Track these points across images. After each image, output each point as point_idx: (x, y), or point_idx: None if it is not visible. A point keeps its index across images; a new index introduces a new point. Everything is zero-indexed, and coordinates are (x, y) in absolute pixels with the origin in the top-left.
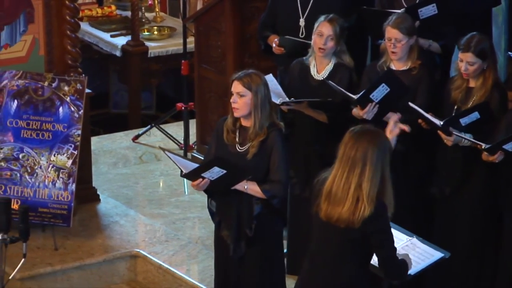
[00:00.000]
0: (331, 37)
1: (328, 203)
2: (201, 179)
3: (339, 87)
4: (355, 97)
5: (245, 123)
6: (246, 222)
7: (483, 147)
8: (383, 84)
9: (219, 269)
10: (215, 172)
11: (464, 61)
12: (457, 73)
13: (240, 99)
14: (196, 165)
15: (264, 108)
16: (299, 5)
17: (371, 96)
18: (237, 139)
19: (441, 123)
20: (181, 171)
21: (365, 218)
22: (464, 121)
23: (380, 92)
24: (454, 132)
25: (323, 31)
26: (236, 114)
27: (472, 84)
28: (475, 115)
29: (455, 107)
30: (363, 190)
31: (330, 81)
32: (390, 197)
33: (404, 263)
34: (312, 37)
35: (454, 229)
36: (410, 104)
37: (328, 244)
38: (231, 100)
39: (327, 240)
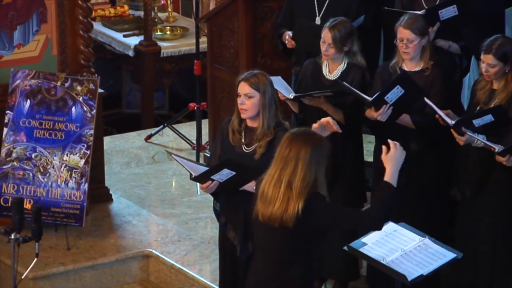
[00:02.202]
0: (331, 45)
1: (262, 203)
2: (210, 182)
3: (353, 88)
4: (369, 98)
5: (251, 123)
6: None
7: (496, 150)
8: (398, 86)
9: (225, 270)
10: (225, 174)
11: (485, 63)
12: (481, 75)
13: (248, 101)
14: (203, 167)
15: (271, 108)
16: (315, 4)
17: (385, 97)
18: (243, 140)
19: (453, 122)
20: (191, 174)
21: (298, 215)
22: (477, 122)
23: (395, 94)
24: (467, 133)
25: (324, 38)
26: (244, 116)
27: (495, 86)
28: (488, 118)
29: (478, 107)
30: (293, 189)
31: (344, 82)
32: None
33: (376, 209)
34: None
35: (475, 231)
36: (426, 100)
37: (268, 243)
38: (239, 102)
39: (266, 240)
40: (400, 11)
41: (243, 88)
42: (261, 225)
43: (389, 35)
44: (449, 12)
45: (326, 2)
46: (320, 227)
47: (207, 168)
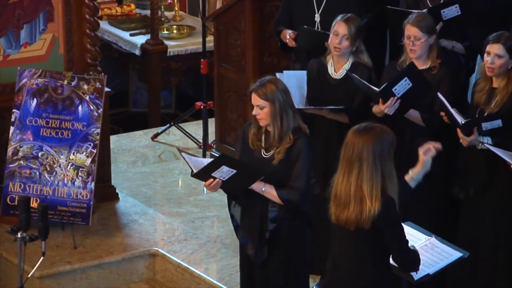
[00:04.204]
0: (346, 36)
1: (335, 206)
2: (212, 179)
3: (362, 80)
4: (377, 90)
5: (269, 128)
6: (264, 225)
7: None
8: (406, 78)
9: (244, 271)
10: (225, 172)
11: (492, 54)
12: (481, 76)
13: (262, 111)
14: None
15: (285, 114)
16: (314, 1)
17: (393, 89)
18: (262, 145)
19: (463, 122)
20: (192, 172)
21: (374, 218)
22: (485, 126)
23: (403, 86)
24: (482, 142)
25: (339, 31)
26: (262, 124)
27: (495, 84)
28: (497, 123)
29: (478, 109)
30: (364, 191)
31: (353, 74)
32: (393, 194)
33: (415, 254)
34: (330, 35)
35: (478, 230)
36: (439, 94)
37: (345, 245)
38: (254, 113)
39: (343, 242)
40: (404, 10)
41: (254, 99)
42: (336, 228)
43: (397, 34)
44: (451, 11)
45: (324, 1)
46: (381, 241)
47: (205, 164)
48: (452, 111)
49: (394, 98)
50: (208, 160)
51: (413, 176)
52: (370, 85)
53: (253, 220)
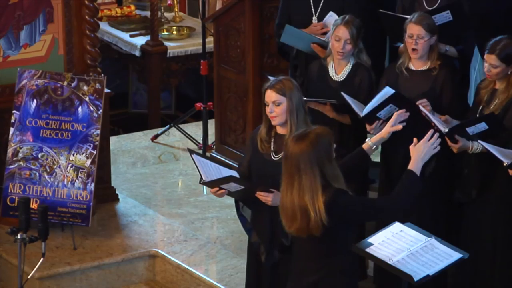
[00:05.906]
0: (348, 40)
1: (285, 219)
2: (218, 188)
3: (349, 101)
4: (361, 114)
5: (281, 130)
6: (282, 231)
7: (505, 164)
8: (391, 104)
9: (251, 273)
10: (233, 186)
11: (487, 63)
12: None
13: (277, 108)
14: (222, 167)
15: (300, 112)
16: (311, 3)
17: (378, 115)
18: (272, 148)
19: (446, 130)
20: (201, 178)
21: (323, 225)
22: (471, 130)
23: (388, 111)
24: (484, 144)
25: (340, 35)
26: (274, 122)
27: (497, 86)
28: (482, 125)
29: (480, 107)
30: (307, 201)
31: (342, 93)
32: (340, 184)
33: (397, 195)
34: (329, 39)
35: (478, 231)
36: (420, 106)
37: (303, 248)
38: (268, 111)
39: (301, 246)
40: (396, 15)
41: (270, 95)
42: (292, 235)
43: (391, 38)
44: (442, 17)
45: (322, 2)
46: (349, 223)
47: (216, 178)
48: (434, 120)
49: (379, 121)
50: (216, 165)
51: (370, 144)
52: (356, 109)
53: (264, 223)
